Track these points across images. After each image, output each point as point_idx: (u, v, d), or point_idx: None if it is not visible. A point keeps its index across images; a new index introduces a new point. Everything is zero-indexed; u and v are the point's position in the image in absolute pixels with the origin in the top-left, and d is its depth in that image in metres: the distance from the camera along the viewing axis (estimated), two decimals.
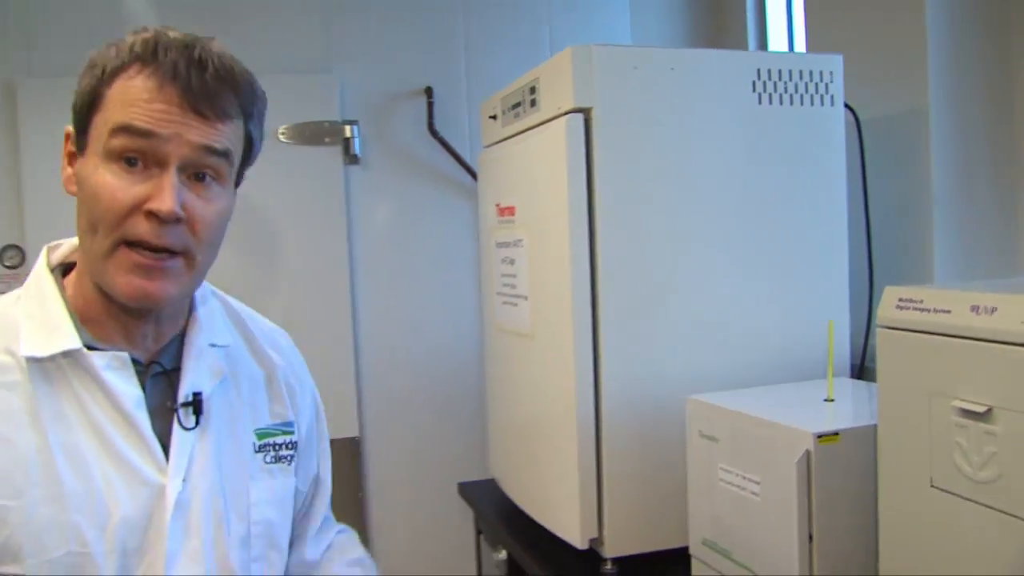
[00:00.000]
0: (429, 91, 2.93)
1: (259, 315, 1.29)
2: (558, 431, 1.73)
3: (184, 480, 1.05)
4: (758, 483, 1.40)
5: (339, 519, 1.37)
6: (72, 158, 1.04)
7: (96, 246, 0.99)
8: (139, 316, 1.06)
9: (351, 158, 2.89)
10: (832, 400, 1.52)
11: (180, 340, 1.12)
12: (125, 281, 0.98)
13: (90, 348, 1.03)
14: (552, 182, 1.70)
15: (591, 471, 1.69)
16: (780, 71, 1.77)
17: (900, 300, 1.19)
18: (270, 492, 1.16)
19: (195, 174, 1.01)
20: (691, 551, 1.60)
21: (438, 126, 2.93)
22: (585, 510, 1.69)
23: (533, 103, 1.84)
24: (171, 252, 1.00)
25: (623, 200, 1.68)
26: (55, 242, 1.13)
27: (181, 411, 1.08)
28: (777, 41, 2.72)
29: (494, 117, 2.11)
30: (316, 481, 1.29)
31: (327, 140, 2.85)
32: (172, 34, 1.02)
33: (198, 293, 1.15)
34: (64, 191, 1.05)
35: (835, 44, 2.17)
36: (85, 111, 1.00)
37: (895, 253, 1.98)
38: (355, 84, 2.92)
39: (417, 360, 2.98)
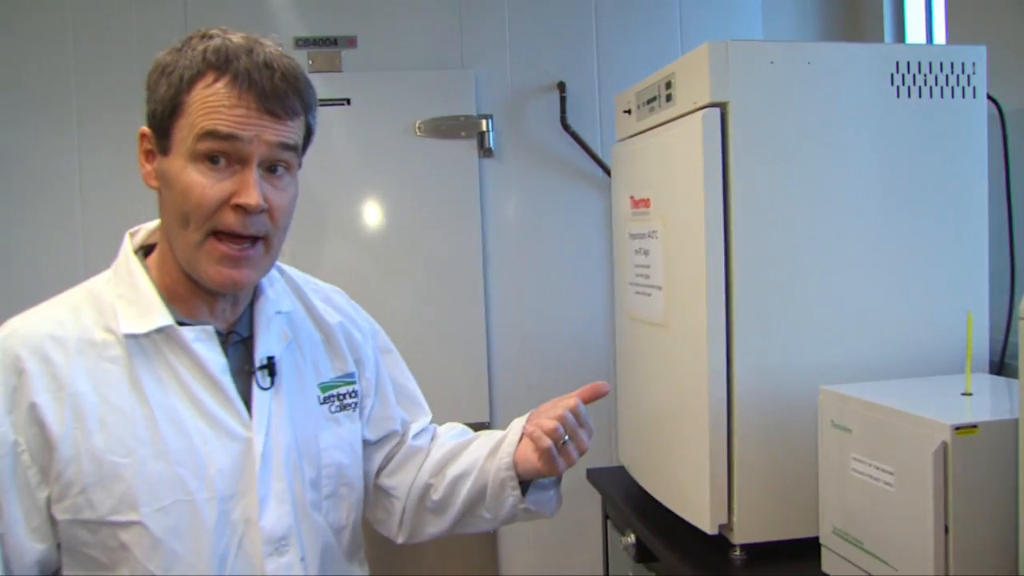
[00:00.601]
0: (562, 86, 2.99)
1: (313, 279, 1.44)
2: (690, 418, 1.77)
3: (266, 434, 1.21)
4: (892, 474, 1.40)
5: None
6: (150, 156, 1.18)
7: (187, 238, 1.13)
8: (219, 294, 1.21)
9: (486, 151, 2.98)
10: (970, 394, 1.50)
11: (250, 309, 1.28)
12: (215, 271, 1.14)
13: (179, 323, 1.18)
14: (688, 175, 1.73)
15: (722, 458, 1.72)
16: (920, 64, 1.75)
17: None
18: (337, 438, 1.32)
19: (269, 167, 1.15)
20: (821, 540, 1.61)
21: (570, 120, 3.00)
22: (715, 496, 1.72)
23: (669, 98, 1.87)
24: (253, 239, 1.15)
25: (759, 193, 1.69)
26: (134, 228, 1.30)
27: (258, 374, 1.23)
28: (915, 33, 2.67)
29: (628, 111, 2.15)
30: (405, 399, 1.49)
31: (463, 134, 2.95)
32: (234, 38, 1.15)
33: None
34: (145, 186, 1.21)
35: (977, 33, 2.13)
36: (167, 116, 1.13)
37: None
38: (490, 79, 3.01)
39: (547, 348, 3.05)
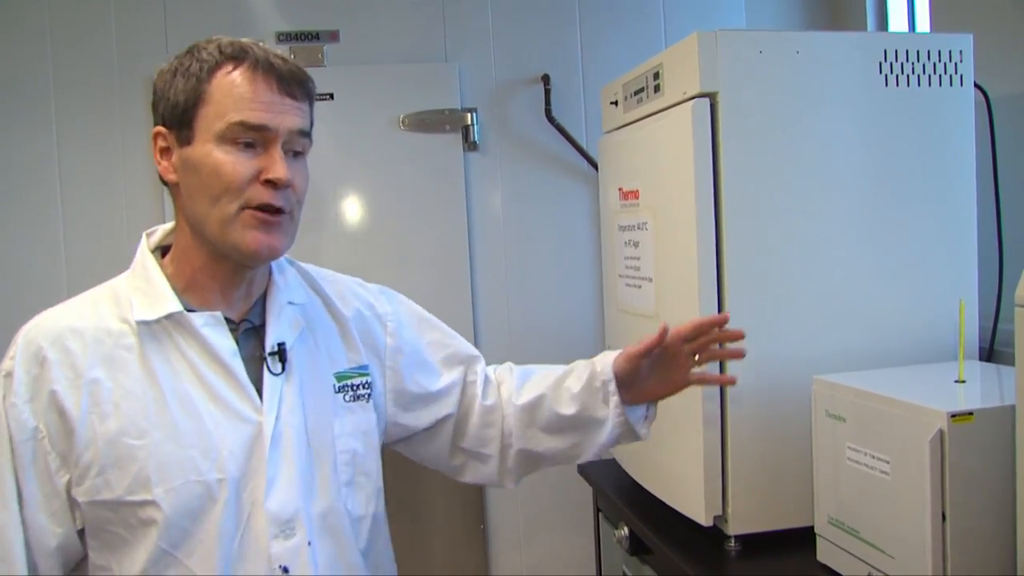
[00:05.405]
0: (546, 78, 2.98)
1: (333, 273, 1.51)
2: (683, 410, 1.76)
3: (277, 417, 1.25)
4: (888, 463, 1.41)
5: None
6: (165, 153, 1.24)
7: (221, 212, 1.19)
8: (239, 277, 1.28)
9: (470, 145, 2.96)
10: (963, 381, 1.51)
11: (263, 301, 1.33)
12: (252, 236, 1.20)
13: (189, 311, 1.24)
14: (678, 166, 1.73)
15: (716, 449, 1.72)
16: (907, 52, 1.75)
17: None
18: (352, 426, 1.35)
19: (289, 150, 1.23)
20: (816, 530, 1.62)
21: (555, 113, 2.99)
22: (710, 487, 1.72)
23: (657, 88, 1.87)
24: (281, 211, 1.22)
25: (749, 183, 1.69)
26: (150, 229, 1.34)
27: (269, 360, 1.28)
28: (897, 22, 2.68)
29: (615, 103, 2.14)
30: (453, 359, 1.54)
31: (447, 128, 2.93)
32: (243, 39, 1.23)
33: (274, 263, 1.35)
34: (161, 180, 1.26)
35: (962, 21, 2.14)
36: (189, 108, 1.20)
37: None
38: (474, 72, 3.00)
39: (534, 341, 3.04)
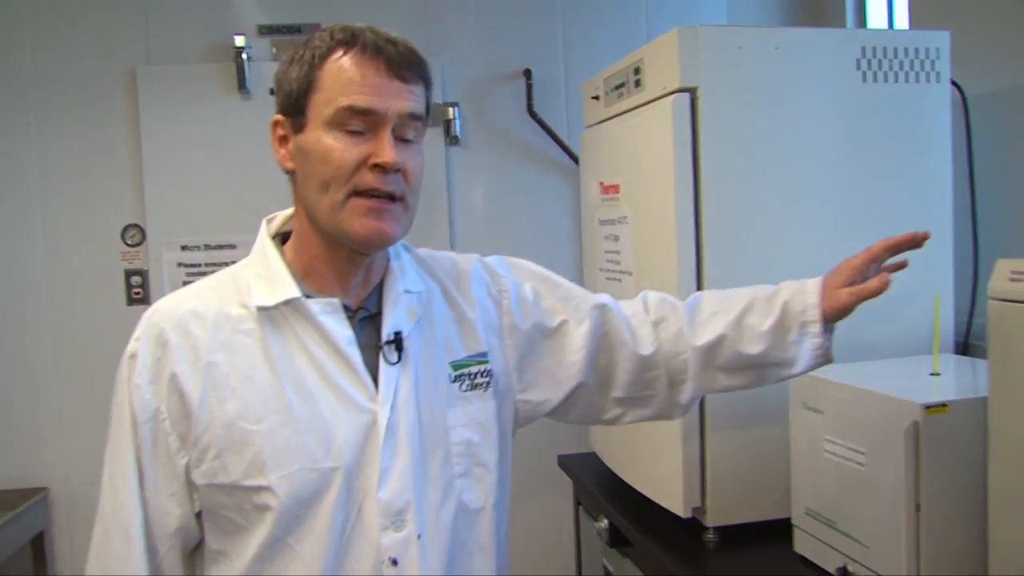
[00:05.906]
0: (528, 73, 2.99)
1: (449, 257, 1.45)
2: None
3: (392, 407, 1.23)
4: (864, 454, 1.42)
5: None
6: (283, 141, 1.24)
7: (330, 199, 1.18)
8: (355, 264, 1.25)
9: (452, 139, 2.97)
10: (938, 374, 1.53)
11: (379, 289, 1.30)
12: (360, 223, 1.18)
13: (308, 297, 1.23)
14: (658, 161, 1.74)
15: (694, 441, 1.73)
16: (885, 49, 1.77)
17: (1013, 272, 1.20)
18: (467, 416, 1.31)
19: (400, 136, 1.19)
20: (793, 521, 1.63)
21: (537, 108, 3.00)
22: (688, 480, 1.74)
23: (638, 83, 1.88)
24: (392, 198, 1.19)
25: (728, 178, 1.71)
26: (270, 216, 1.33)
27: (385, 348, 1.25)
28: (876, 19, 2.70)
29: (596, 97, 2.15)
30: (578, 307, 1.44)
31: (428, 122, 2.92)
32: (357, 24, 1.22)
33: (391, 250, 1.32)
34: (281, 168, 1.25)
35: (939, 19, 2.16)
36: (302, 95, 1.19)
37: (1003, 231, 1.97)
38: (455, 67, 3.00)
39: None
